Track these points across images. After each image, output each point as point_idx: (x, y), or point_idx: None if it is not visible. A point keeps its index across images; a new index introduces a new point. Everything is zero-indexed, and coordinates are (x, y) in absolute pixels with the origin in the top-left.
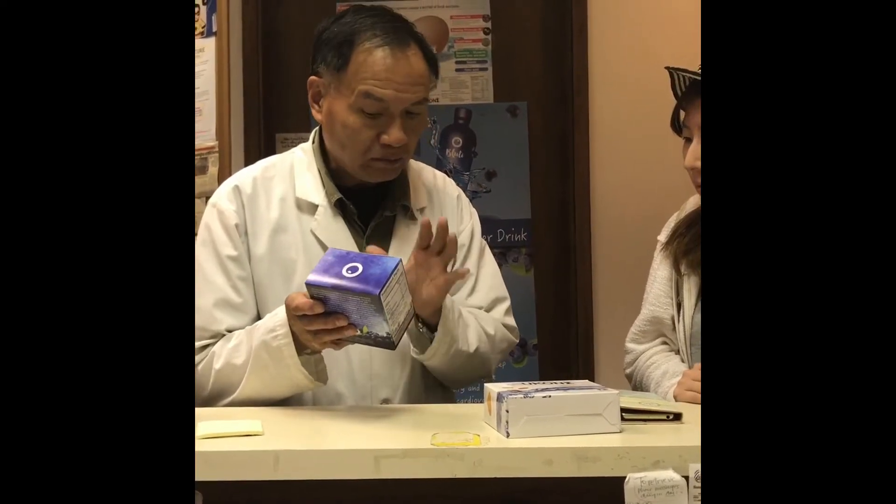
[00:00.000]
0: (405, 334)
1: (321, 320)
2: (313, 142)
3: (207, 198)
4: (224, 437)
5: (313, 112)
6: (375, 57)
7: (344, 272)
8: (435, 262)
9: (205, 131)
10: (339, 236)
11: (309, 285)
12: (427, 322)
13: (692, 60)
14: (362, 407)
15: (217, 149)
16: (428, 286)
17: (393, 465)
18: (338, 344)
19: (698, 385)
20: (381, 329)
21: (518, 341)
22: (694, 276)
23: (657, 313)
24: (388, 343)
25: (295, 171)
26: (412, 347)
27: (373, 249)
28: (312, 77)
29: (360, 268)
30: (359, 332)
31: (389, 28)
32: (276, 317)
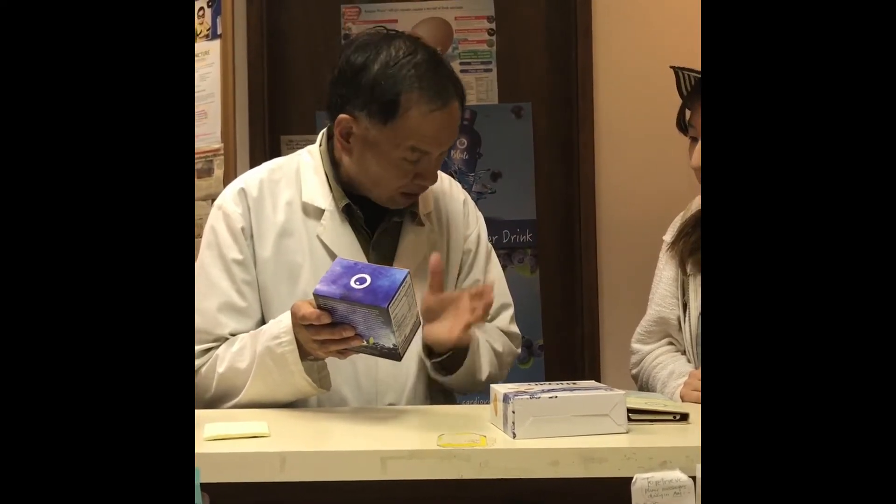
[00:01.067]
0: (417, 332)
1: (328, 330)
2: (320, 144)
3: (213, 200)
4: (230, 439)
5: (340, 146)
6: (426, 121)
7: (352, 283)
8: (471, 309)
9: (210, 134)
10: (346, 242)
11: (316, 295)
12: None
13: (697, 61)
14: (368, 408)
15: (222, 151)
16: (449, 323)
17: (399, 467)
18: (343, 354)
19: None
20: (388, 341)
21: (520, 350)
22: (700, 276)
23: (663, 314)
24: (394, 354)
25: (301, 174)
26: (430, 366)
27: (435, 262)
28: (345, 116)
29: (369, 279)
30: (365, 343)
31: (434, 83)
32: (281, 323)
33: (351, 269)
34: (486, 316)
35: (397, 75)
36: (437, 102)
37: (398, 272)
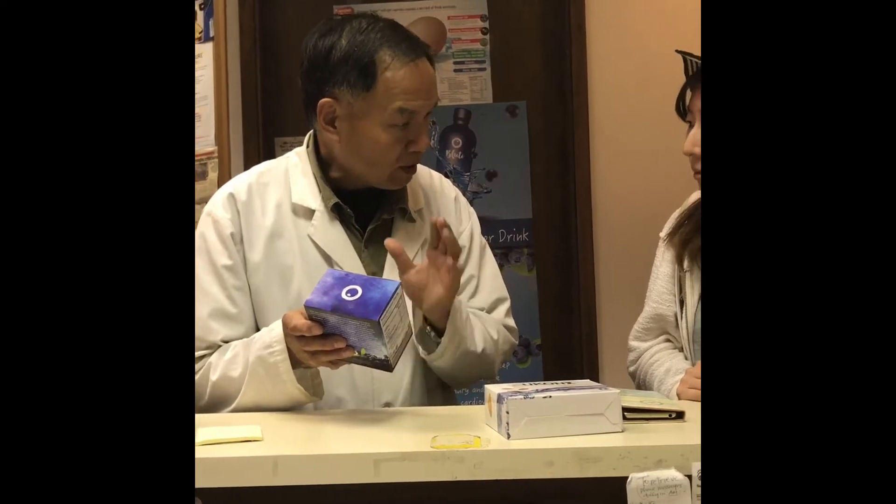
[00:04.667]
0: (408, 342)
1: (319, 341)
2: (307, 146)
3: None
4: (223, 443)
5: (327, 134)
6: (403, 73)
7: (343, 295)
8: (443, 261)
9: (204, 137)
10: (337, 241)
11: (307, 307)
12: (435, 325)
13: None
14: (361, 410)
15: (216, 154)
16: (437, 285)
17: (392, 469)
18: (335, 364)
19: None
20: (380, 352)
21: (517, 342)
22: (697, 271)
23: (660, 310)
24: (385, 365)
25: (290, 176)
26: (419, 348)
27: (391, 245)
28: (326, 100)
29: (360, 291)
30: (356, 354)
31: (402, 40)
32: (273, 332)
33: (342, 280)
34: (456, 256)
35: (366, 40)
36: (410, 55)
37: (389, 283)
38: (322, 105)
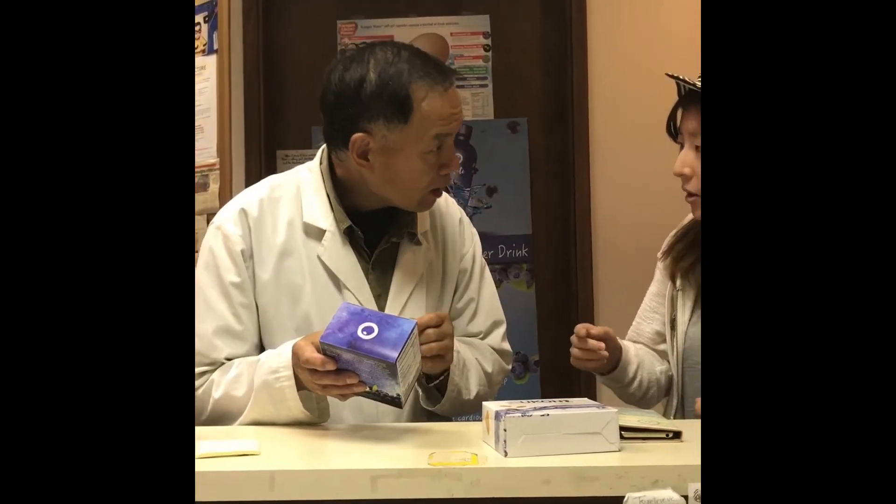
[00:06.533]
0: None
1: (332, 377)
2: (321, 162)
3: (209, 215)
4: (220, 457)
5: (360, 167)
6: (439, 102)
7: (359, 333)
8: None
9: (206, 148)
10: (346, 263)
11: (323, 343)
12: (429, 373)
13: (693, 77)
14: (360, 426)
15: (218, 166)
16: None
17: (389, 486)
18: (344, 397)
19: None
20: (392, 390)
21: (510, 367)
22: (689, 290)
23: (641, 326)
24: (396, 402)
25: (302, 193)
26: (421, 396)
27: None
28: (359, 135)
29: (376, 329)
30: (368, 389)
31: (431, 68)
32: (280, 357)
33: (358, 317)
34: (445, 346)
35: (397, 73)
36: (443, 83)
37: (406, 323)
38: (355, 140)
